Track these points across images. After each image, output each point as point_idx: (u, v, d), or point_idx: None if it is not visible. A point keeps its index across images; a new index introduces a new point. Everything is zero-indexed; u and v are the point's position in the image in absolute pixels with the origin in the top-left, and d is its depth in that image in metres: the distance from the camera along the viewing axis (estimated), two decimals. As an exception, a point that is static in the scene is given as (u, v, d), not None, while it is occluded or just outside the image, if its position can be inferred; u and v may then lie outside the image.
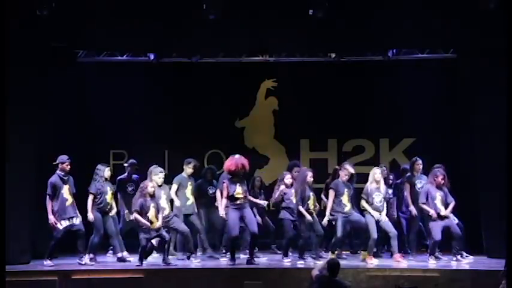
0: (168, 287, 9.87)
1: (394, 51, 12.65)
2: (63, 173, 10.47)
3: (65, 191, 10.44)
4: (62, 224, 10.37)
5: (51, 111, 11.75)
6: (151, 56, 12.80)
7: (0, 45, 9.25)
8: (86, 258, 10.45)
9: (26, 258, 10.63)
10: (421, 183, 11.26)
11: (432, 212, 10.57)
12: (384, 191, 10.87)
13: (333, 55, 12.92)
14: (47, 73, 11.47)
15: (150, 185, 10.41)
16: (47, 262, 10.30)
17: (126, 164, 12.04)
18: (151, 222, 10.27)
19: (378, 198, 10.78)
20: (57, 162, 10.50)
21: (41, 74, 11.23)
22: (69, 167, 10.50)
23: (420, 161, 11.40)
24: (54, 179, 10.43)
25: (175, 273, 10.10)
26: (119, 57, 12.98)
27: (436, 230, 10.53)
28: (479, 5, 10.61)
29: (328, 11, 10.82)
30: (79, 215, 10.51)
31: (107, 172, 10.97)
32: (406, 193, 11.33)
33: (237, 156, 10.71)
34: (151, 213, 10.30)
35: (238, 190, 10.48)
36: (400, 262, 10.53)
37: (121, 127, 13.14)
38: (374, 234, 10.59)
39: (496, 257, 10.39)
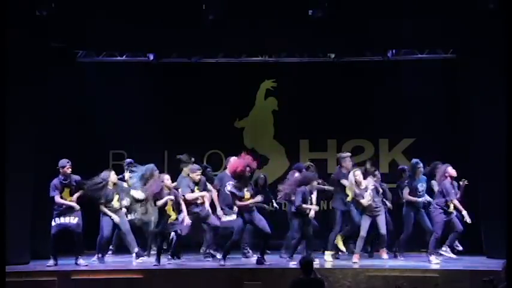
0: (167, 287, 9.86)
1: (394, 51, 12.67)
2: (63, 177, 10.52)
3: (65, 194, 10.50)
4: (56, 221, 10.43)
5: (51, 111, 11.75)
6: (151, 56, 12.82)
7: (0, 45, 9.23)
8: (81, 260, 10.51)
9: (26, 258, 10.63)
10: (422, 186, 11.27)
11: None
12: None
13: (333, 55, 12.94)
14: (46, 73, 11.46)
15: (166, 178, 10.46)
16: (50, 262, 10.38)
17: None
18: (168, 216, 10.35)
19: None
20: (58, 166, 10.53)
21: (41, 74, 11.23)
22: (69, 170, 10.53)
23: (421, 164, 11.37)
24: (54, 181, 10.52)
25: (175, 273, 10.10)
26: (119, 58, 13.00)
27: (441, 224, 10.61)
28: (478, 5, 10.62)
29: (328, 11, 10.84)
30: (77, 216, 10.51)
31: (112, 177, 11.02)
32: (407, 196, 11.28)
33: (242, 157, 10.50)
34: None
35: (247, 195, 10.30)
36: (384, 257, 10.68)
37: (120, 127, 13.16)
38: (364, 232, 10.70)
39: (496, 257, 10.40)
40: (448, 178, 10.65)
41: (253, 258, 10.84)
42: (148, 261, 10.94)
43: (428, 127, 13.00)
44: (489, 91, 11.08)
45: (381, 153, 13.40)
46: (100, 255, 10.87)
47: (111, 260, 11.21)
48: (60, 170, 10.52)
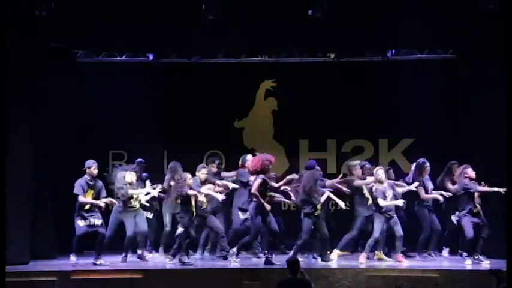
0: (168, 287, 9.85)
1: (394, 51, 12.66)
2: (89, 177, 10.48)
3: (88, 195, 10.46)
4: (83, 222, 10.36)
5: (50, 111, 11.74)
6: (151, 56, 12.80)
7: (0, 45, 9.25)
8: (101, 260, 10.49)
9: (26, 259, 10.61)
10: (431, 185, 11.25)
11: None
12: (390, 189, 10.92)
13: (332, 55, 12.94)
14: (46, 73, 11.45)
15: (188, 177, 10.47)
16: (72, 259, 10.33)
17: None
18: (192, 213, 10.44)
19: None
20: (84, 167, 10.52)
21: (40, 74, 11.21)
22: (96, 170, 10.52)
23: (428, 164, 11.35)
24: (81, 181, 10.46)
25: (175, 274, 10.10)
26: (118, 58, 12.98)
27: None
28: (478, 5, 10.62)
29: (327, 11, 10.84)
30: (99, 217, 10.52)
31: (128, 176, 10.98)
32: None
33: (260, 155, 10.63)
34: None
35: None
36: (402, 262, 10.58)
37: (120, 127, 13.14)
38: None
39: (496, 257, 10.40)
40: (467, 179, 10.63)
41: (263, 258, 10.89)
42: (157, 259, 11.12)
43: (428, 127, 13.00)
44: (489, 91, 11.08)
45: (380, 153, 13.40)
46: (124, 255, 10.89)
47: (111, 260, 11.17)
48: (87, 170, 10.49)
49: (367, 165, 11.43)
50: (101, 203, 10.49)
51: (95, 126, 13.12)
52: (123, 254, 10.85)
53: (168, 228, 11.47)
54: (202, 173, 10.99)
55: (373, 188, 10.87)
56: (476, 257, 10.56)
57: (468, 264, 10.35)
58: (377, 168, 11.06)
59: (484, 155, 11.20)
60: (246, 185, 11.15)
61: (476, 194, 10.76)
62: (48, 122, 11.67)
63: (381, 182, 10.81)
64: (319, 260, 10.81)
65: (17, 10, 10.39)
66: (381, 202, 10.74)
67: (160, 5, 11.12)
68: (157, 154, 12.95)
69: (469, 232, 10.51)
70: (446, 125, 12.91)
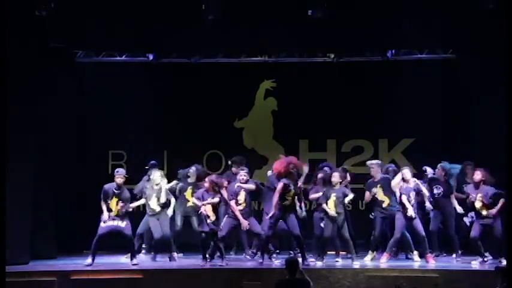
0: (167, 287, 9.85)
1: (393, 51, 12.67)
2: (116, 186, 10.39)
3: (112, 203, 10.37)
4: (106, 223, 10.31)
5: (50, 111, 11.74)
6: (151, 56, 12.81)
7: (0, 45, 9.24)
8: (135, 260, 10.52)
9: (26, 259, 10.61)
10: (438, 188, 11.24)
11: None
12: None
13: (332, 55, 12.94)
14: (45, 73, 11.46)
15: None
16: (88, 261, 10.29)
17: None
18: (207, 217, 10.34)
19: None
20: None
21: (40, 74, 11.21)
22: (119, 179, 10.37)
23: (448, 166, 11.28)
24: (107, 186, 10.42)
25: (175, 274, 10.10)
26: (118, 58, 12.98)
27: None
28: (478, 5, 10.63)
29: (327, 11, 10.84)
30: (126, 219, 10.43)
31: (156, 178, 10.97)
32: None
33: (285, 158, 10.57)
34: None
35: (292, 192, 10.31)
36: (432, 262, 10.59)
37: (120, 127, 13.16)
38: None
39: (496, 257, 10.41)
40: (471, 185, 10.60)
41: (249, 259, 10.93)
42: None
43: (428, 127, 13.01)
44: (489, 91, 11.09)
45: (380, 153, 13.39)
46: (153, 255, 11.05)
47: (111, 261, 11.18)
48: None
49: (390, 168, 11.38)
50: (106, 211, 10.34)
51: (95, 126, 13.12)
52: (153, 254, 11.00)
53: (178, 228, 11.46)
54: (240, 175, 10.94)
55: (400, 186, 10.77)
56: (484, 259, 10.49)
57: (474, 264, 10.35)
58: (403, 167, 10.98)
59: (483, 155, 11.20)
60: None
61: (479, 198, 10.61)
62: (48, 121, 11.67)
63: (407, 181, 10.75)
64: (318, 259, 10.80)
65: (17, 10, 10.38)
66: (406, 201, 10.63)
67: (160, 5, 11.12)
68: (156, 154, 12.92)
69: (474, 232, 10.48)
70: (446, 125, 12.92)
